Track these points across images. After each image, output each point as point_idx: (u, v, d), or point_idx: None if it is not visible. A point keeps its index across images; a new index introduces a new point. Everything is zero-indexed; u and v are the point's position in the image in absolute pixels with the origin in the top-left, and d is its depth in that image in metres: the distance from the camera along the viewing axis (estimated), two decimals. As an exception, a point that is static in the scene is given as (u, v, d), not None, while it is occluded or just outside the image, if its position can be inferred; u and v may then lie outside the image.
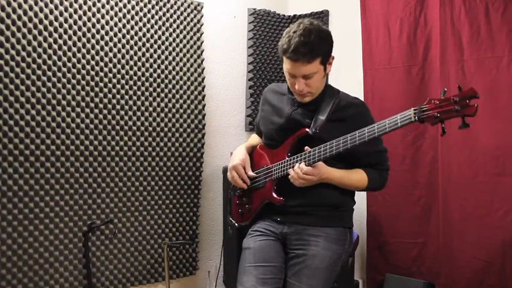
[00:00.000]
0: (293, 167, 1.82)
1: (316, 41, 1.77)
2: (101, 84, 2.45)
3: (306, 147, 1.83)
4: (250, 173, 2.03)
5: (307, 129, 1.87)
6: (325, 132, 1.82)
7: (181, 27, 2.78)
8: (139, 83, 2.60)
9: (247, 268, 1.88)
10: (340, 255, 1.91)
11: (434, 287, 2.73)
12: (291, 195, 1.90)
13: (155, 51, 2.66)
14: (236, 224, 2.12)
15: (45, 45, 2.25)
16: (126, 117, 2.55)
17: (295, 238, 1.91)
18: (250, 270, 1.86)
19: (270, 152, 2.03)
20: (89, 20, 2.40)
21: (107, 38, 2.47)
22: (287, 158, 1.90)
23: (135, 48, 2.58)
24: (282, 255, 1.92)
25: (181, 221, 2.80)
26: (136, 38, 2.58)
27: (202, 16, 2.88)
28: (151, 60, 2.64)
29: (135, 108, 2.58)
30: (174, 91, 2.74)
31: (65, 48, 2.32)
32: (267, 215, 2.00)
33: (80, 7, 2.37)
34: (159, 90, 2.68)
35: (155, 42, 2.66)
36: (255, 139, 2.23)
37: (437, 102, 1.52)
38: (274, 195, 1.93)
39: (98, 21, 2.44)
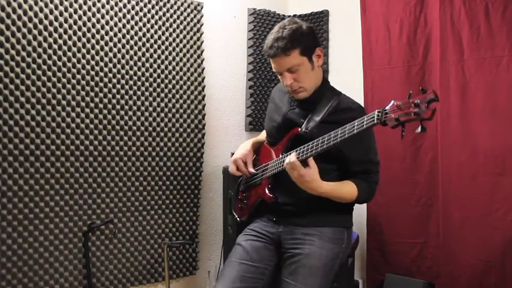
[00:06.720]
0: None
1: (289, 34, 1.82)
2: (101, 84, 2.45)
3: None
4: (251, 170, 2.06)
5: (298, 129, 1.88)
6: (317, 134, 1.79)
7: (181, 27, 2.78)
8: (139, 83, 2.60)
9: (233, 262, 1.92)
10: (338, 254, 1.89)
11: (434, 287, 2.73)
12: (285, 194, 1.91)
13: (155, 51, 2.66)
14: (238, 219, 2.16)
15: (45, 45, 2.25)
16: (126, 117, 2.55)
17: (290, 237, 1.91)
18: (234, 264, 1.91)
19: (270, 149, 2.05)
20: (89, 20, 2.40)
21: (107, 38, 2.47)
22: (281, 156, 1.92)
23: (135, 48, 2.58)
24: (271, 259, 1.93)
25: (181, 221, 2.81)
26: (136, 38, 2.58)
27: (202, 16, 2.88)
28: (151, 60, 2.64)
29: (135, 108, 2.58)
30: (174, 91, 2.74)
31: (65, 48, 2.32)
32: (264, 214, 2.02)
33: (80, 7, 2.37)
34: (159, 90, 2.68)
35: (155, 42, 2.66)
36: (263, 135, 2.24)
37: (399, 104, 1.49)
38: (266, 191, 1.96)
39: (98, 21, 2.44)
